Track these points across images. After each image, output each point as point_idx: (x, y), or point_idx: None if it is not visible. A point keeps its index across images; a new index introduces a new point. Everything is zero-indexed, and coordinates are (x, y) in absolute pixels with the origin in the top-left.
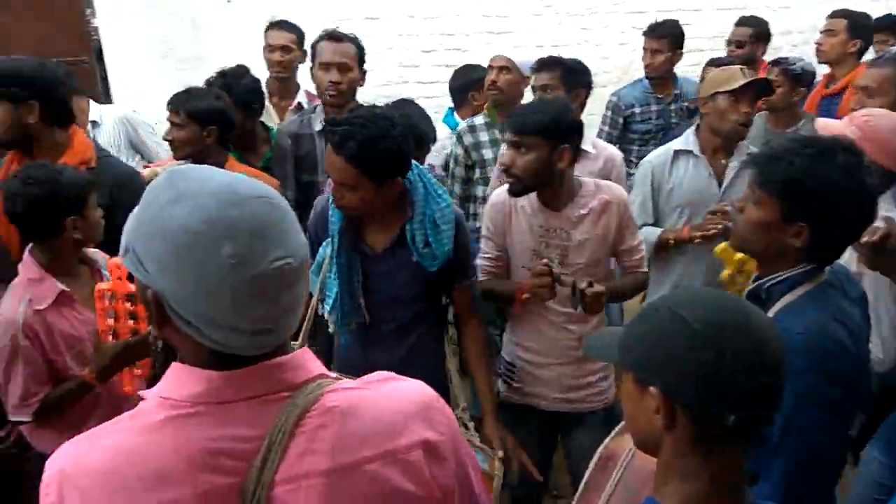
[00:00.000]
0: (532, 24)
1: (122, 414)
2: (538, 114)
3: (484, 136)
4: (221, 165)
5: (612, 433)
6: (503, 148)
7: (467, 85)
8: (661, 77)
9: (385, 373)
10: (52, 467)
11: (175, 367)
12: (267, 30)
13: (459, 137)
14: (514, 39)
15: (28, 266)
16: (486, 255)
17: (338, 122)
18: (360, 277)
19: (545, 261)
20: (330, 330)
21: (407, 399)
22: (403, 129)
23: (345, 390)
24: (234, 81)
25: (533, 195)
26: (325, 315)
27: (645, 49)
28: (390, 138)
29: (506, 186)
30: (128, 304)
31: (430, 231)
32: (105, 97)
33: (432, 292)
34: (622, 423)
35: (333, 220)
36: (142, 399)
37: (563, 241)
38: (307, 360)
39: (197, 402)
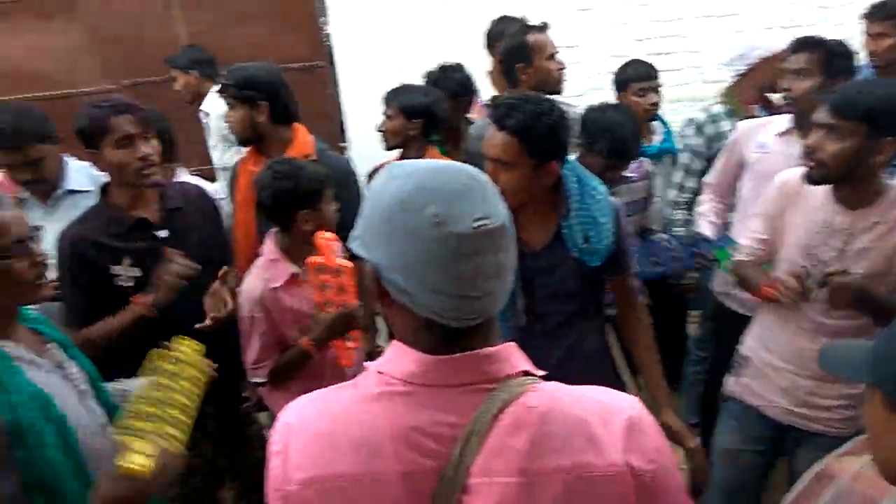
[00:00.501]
0: (760, 4)
1: (346, 382)
2: (869, 97)
3: (726, 126)
4: (422, 156)
5: (838, 451)
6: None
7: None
8: (888, 65)
9: (592, 388)
10: (281, 419)
11: (394, 344)
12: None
13: (699, 128)
14: (738, 23)
15: (268, 248)
16: (754, 236)
17: (501, 100)
18: (519, 276)
19: (804, 268)
20: None
21: (610, 414)
22: (564, 114)
23: (548, 392)
24: (448, 75)
25: (829, 186)
26: None
27: (868, 34)
28: (553, 117)
29: (799, 169)
30: (336, 278)
31: (590, 226)
32: (336, 98)
33: (593, 286)
34: (852, 441)
35: None
36: (365, 370)
37: (842, 245)
38: (512, 354)
39: (409, 381)
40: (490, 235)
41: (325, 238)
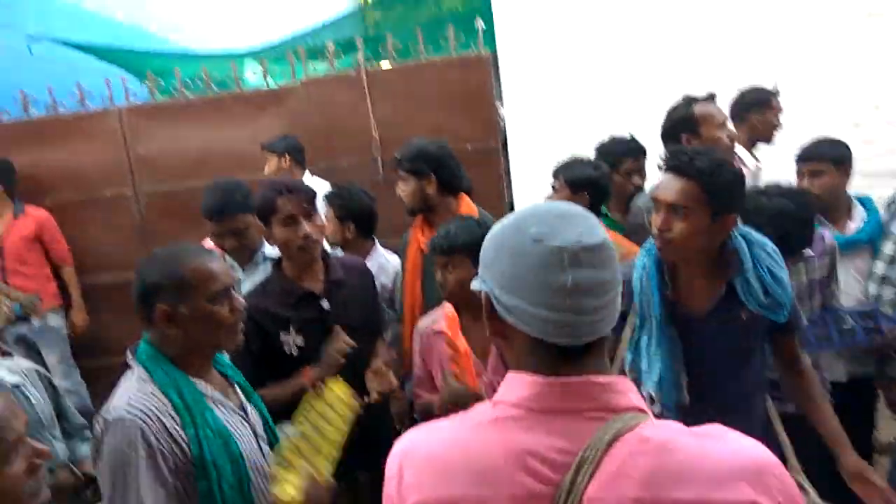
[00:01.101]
0: None
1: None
2: None
3: None
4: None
5: None
6: None
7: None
8: None
9: (718, 426)
10: (397, 446)
11: (508, 375)
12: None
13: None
14: None
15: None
16: None
17: (678, 149)
18: (680, 347)
19: None
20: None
21: (736, 454)
22: (741, 171)
23: (664, 427)
24: (617, 147)
25: None
26: (650, 393)
27: None
28: (732, 169)
29: None
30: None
31: (768, 279)
32: (507, 178)
33: (758, 348)
34: None
35: (649, 283)
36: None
37: None
38: (629, 389)
39: (523, 405)
40: (587, 250)
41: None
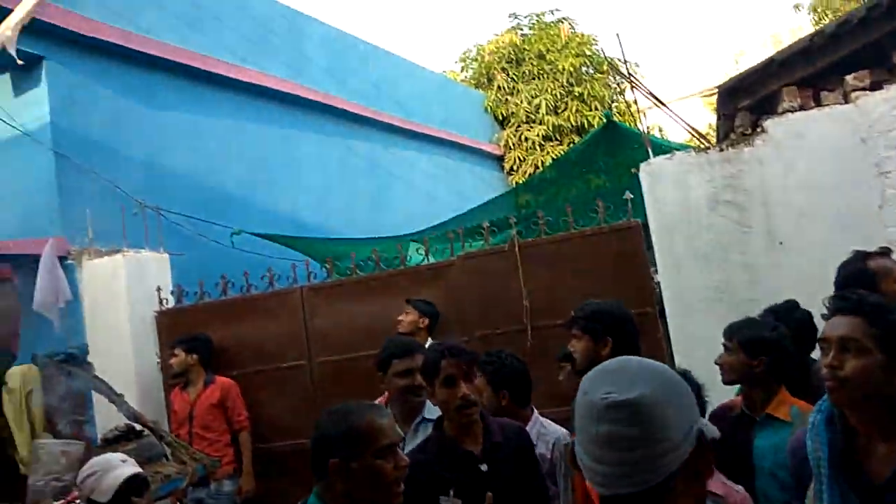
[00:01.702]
0: None
1: None
2: None
3: None
4: (771, 396)
5: None
6: None
7: None
8: None
9: None
10: None
11: None
12: None
13: None
14: None
15: None
16: None
17: (845, 292)
18: None
19: None
20: None
21: None
22: None
23: None
24: (784, 316)
25: None
26: None
27: None
28: None
29: None
30: None
31: None
32: (666, 342)
33: None
34: None
35: (818, 439)
36: None
37: None
38: None
39: None
40: (612, 407)
41: None
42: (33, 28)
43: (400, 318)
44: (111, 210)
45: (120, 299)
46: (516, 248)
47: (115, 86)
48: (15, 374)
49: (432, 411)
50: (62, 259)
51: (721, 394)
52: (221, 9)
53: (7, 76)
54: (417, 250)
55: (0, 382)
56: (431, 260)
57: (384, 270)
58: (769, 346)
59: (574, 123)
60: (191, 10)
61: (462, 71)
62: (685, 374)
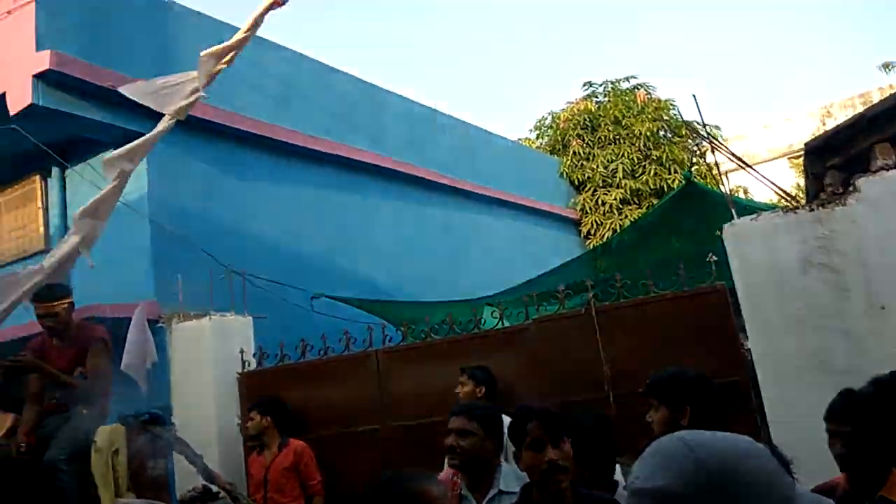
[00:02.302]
0: None
1: None
2: None
3: None
4: (885, 476)
5: None
6: None
7: None
8: None
9: None
10: None
11: None
12: None
13: None
14: None
15: None
16: None
17: None
18: None
19: None
20: None
21: None
22: None
23: None
24: (890, 388)
25: None
26: None
27: None
28: None
29: None
30: None
31: None
32: (761, 415)
33: None
34: None
35: None
36: None
37: None
38: None
39: None
40: (635, 494)
41: None
42: (133, 106)
43: (457, 389)
44: (201, 275)
45: (205, 361)
46: (593, 312)
47: (208, 159)
48: (103, 433)
49: (509, 483)
50: (154, 322)
51: (825, 468)
52: (308, 87)
53: (111, 152)
54: (492, 314)
55: (90, 441)
56: (506, 324)
57: (458, 334)
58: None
59: (653, 187)
60: (280, 89)
61: (537, 138)
62: (772, 449)
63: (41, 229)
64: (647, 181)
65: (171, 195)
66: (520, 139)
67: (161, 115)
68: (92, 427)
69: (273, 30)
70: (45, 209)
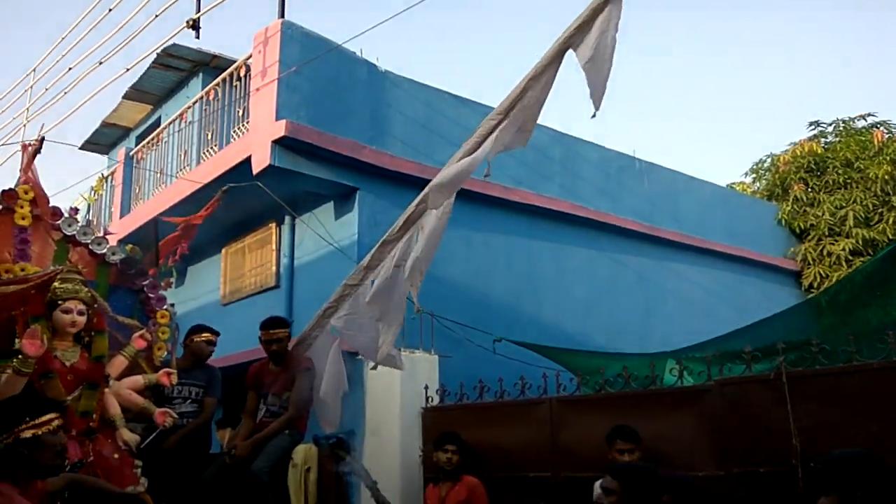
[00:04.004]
0: None
1: None
2: None
3: None
4: None
5: None
6: None
7: None
8: None
9: None
10: None
11: None
12: None
13: None
14: None
15: None
16: None
17: None
18: None
19: None
20: None
21: None
22: None
23: None
24: None
25: None
26: None
27: None
28: None
29: None
30: None
31: None
32: None
33: None
34: None
35: None
36: None
37: None
38: None
39: None
40: None
41: None
42: (351, 165)
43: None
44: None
45: (394, 394)
46: (783, 378)
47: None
48: (299, 451)
49: None
50: (353, 354)
51: None
52: None
53: (331, 204)
54: (671, 371)
55: (288, 457)
56: (687, 382)
57: (634, 389)
58: None
59: (891, 237)
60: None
61: (754, 182)
62: None
63: (273, 268)
64: (884, 230)
65: (376, 241)
66: (732, 184)
67: None
68: (292, 445)
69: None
70: (278, 251)
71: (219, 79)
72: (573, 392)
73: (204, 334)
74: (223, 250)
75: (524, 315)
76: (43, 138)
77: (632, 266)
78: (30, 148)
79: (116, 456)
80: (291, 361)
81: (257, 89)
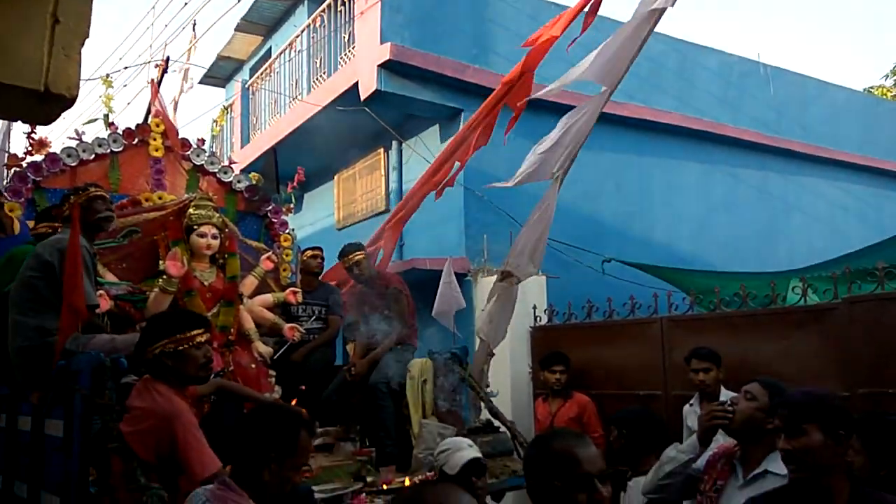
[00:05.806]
0: None
1: None
2: None
3: None
4: None
5: None
6: None
7: None
8: None
9: None
10: None
11: None
12: None
13: None
14: None
15: None
16: None
17: None
18: None
19: None
20: None
21: None
22: None
23: None
24: None
25: None
26: None
27: None
28: None
29: None
30: None
31: None
32: None
33: None
34: None
35: None
36: None
37: None
38: None
39: None
40: None
41: None
42: (456, 86)
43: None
44: (504, 236)
45: None
46: None
47: (516, 128)
48: (416, 364)
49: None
50: (462, 276)
51: None
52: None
53: (436, 127)
54: (793, 289)
55: (405, 371)
56: (812, 301)
57: (752, 308)
58: None
59: None
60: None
61: (894, 86)
62: None
63: (383, 192)
64: None
65: (481, 164)
66: (869, 88)
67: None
68: (407, 359)
69: None
70: (387, 176)
71: (324, 5)
72: (685, 312)
73: (307, 251)
74: (335, 177)
75: (634, 235)
76: (168, 58)
77: (751, 181)
78: (157, 70)
79: (253, 366)
80: (379, 281)
81: (361, 13)
